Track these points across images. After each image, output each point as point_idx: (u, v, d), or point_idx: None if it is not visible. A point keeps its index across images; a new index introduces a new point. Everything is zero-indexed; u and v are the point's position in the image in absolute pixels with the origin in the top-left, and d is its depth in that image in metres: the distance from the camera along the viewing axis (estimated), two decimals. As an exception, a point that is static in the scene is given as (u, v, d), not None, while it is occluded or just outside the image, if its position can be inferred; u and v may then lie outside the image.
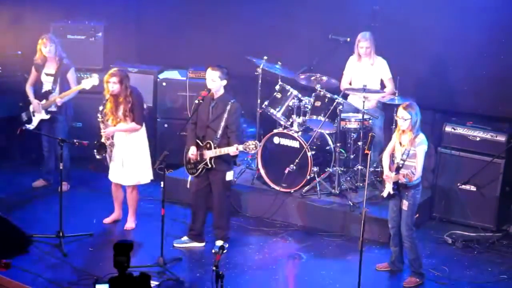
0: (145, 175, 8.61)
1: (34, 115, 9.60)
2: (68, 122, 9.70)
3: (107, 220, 8.83)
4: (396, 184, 7.50)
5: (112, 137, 8.48)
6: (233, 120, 8.10)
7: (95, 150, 8.46)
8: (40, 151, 10.00)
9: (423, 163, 7.50)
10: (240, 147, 7.92)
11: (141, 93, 8.60)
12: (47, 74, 9.56)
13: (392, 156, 7.65)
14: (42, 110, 9.52)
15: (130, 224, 8.73)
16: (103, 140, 8.45)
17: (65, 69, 9.55)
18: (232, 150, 7.97)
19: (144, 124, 8.55)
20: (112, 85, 8.32)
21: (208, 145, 8.10)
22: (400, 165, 7.41)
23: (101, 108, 8.41)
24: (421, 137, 7.52)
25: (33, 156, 10.57)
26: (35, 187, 9.79)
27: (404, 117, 7.47)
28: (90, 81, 9.16)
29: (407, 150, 7.41)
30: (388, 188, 7.56)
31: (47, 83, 9.57)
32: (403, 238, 7.66)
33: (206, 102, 8.16)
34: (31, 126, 9.59)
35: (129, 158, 8.49)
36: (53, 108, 9.54)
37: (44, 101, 9.53)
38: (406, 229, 7.61)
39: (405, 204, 7.56)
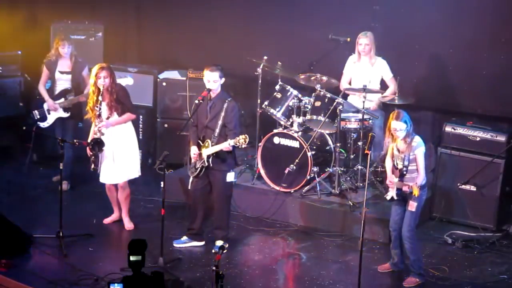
0: (134, 169, 8.61)
1: (49, 113, 9.61)
2: (79, 120, 9.71)
3: (107, 220, 8.84)
4: (399, 190, 7.50)
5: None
6: (230, 118, 8.10)
7: (89, 147, 8.38)
8: (41, 151, 10.00)
9: (424, 164, 7.49)
10: (232, 142, 7.90)
11: (121, 85, 8.60)
12: (61, 72, 9.56)
13: (393, 159, 7.62)
14: (60, 108, 9.53)
15: (128, 224, 8.72)
16: (97, 136, 8.42)
17: (81, 67, 9.57)
18: (224, 146, 7.97)
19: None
20: (103, 80, 8.33)
21: (206, 144, 8.11)
22: (404, 172, 7.42)
23: (100, 99, 8.39)
24: (417, 139, 7.50)
25: (33, 156, 10.57)
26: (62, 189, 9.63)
27: (401, 128, 7.42)
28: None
29: (407, 156, 7.41)
30: (392, 193, 7.56)
31: (62, 81, 9.57)
32: (404, 239, 7.64)
33: (204, 103, 8.17)
34: (45, 124, 9.61)
35: (120, 152, 8.48)
36: (69, 106, 9.56)
37: (62, 99, 9.53)
38: (408, 230, 7.60)
39: (412, 205, 7.51)
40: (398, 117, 7.45)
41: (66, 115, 9.58)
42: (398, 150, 7.52)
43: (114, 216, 8.85)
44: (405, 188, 7.39)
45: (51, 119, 9.61)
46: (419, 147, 7.47)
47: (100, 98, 8.36)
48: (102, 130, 8.41)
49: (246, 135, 7.87)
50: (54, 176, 9.79)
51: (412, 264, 7.71)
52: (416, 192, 7.31)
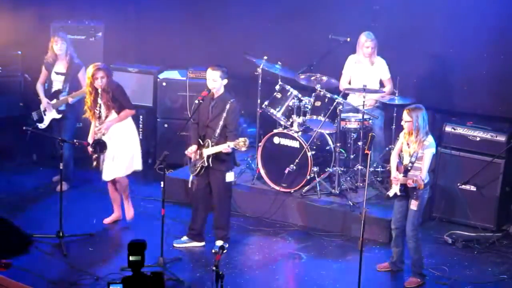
0: (135, 163, 8.60)
1: (45, 114, 9.60)
2: (76, 120, 9.69)
3: (107, 220, 8.83)
4: (403, 186, 7.51)
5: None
6: (231, 119, 8.10)
7: (91, 148, 8.40)
8: (41, 151, 9.99)
9: (429, 165, 7.51)
10: (231, 144, 7.91)
11: (116, 81, 8.62)
12: (57, 73, 9.56)
13: (399, 156, 7.64)
14: (53, 109, 9.54)
15: (129, 212, 8.70)
16: (98, 136, 8.43)
17: (76, 68, 9.55)
18: (223, 147, 7.98)
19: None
20: (101, 80, 8.34)
21: (206, 144, 8.12)
22: (409, 168, 7.44)
23: (99, 101, 8.39)
24: (430, 140, 7.52)
25: (33, 156, 10.58)
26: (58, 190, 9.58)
27: (405, 119, 7.50)
28: None
29: (416, 153, 7.43)
30: (395, 189, 7.56)
31: (57, 82, 9.58)
32: (408, 238, 7.65)
33: (206, 102, 8.18)
34: (42, 125, 9.60)
35: (121, 149, 8.48)
36: (63, 107, 9.56)
37: (55, 101, 9.54)
38: (412, 229, 7.61)
39: (414, 204, 7.53)
40: (409, 110, 7.51)
41: (58, 116, 9.56)
42: (408, 145, 7.54)
43: (114, 216, 8.84)
44: (409, 181, 7.39)
45: (47, 120, 9.60)
46: (430, 147, 7.49)
47: (99, 99, 8.36)
48: (103, 130, 8.41)
49: (246, 138, 7.89)
50: (54, 176, 9.79)
51: (414, 263, 7.71)
52: (421, 185, 7.31)
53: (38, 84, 9.68)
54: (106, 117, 8.45)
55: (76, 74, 9.56)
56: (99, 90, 8.36)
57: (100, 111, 8.41)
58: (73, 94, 9.48)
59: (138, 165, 8.67)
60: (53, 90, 9.59)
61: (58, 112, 9.57)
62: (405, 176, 7.46)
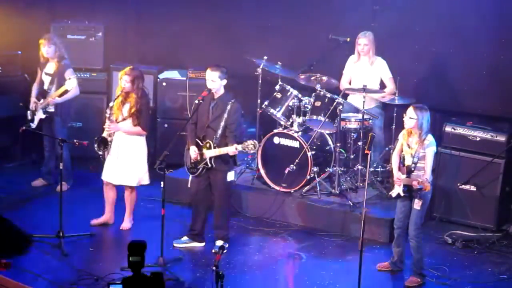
0: (146, 176, 8.60)
1: (35, 114, 9.61)
2: (65, 122, 9.65)
3: (94, 222, 8.72)
4: (406, 187, 7.50)
5: (113, 134, 8.48)
6: (233, 120, 8.10)
7: (95, 145, 8.45)
8: (41, 151, 10.00)
9: (432, 164, 7.51)
10: (239, 147, 7.92)
11: (150, 100, 8.57)
12: (46, 74, 9.56)
13: (400, 156, 7.64)
14: (40, 109, 9.52)
15: (126, 224, 8.69)
16: (105, 135, 8.45)
17: (62, 69, 9.49)
18: (231, 150, 7.97)
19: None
20: (124, 83, 8.35)
21: (208, 145, 8.11)
22: (412, 168, 7.44)
23: (111, 104, 8.44)
24: (430, 138, 7.52)
25: (33, 156, 10.58)
26: (35, 187, 9.79)
27: (411, 116, 7.47)
28: (69, 83, 9.12)
29: (417, 153, 7.44)
30: (398, 190, 7.56)
31: (46, 83, 9.57)
32: (410, 237, 7.66)
33: (206, 102, 8.17)
34: (32, 125, 9.58)
35: (130, 158, 8.47)
36: (51, 109, 9.51)
37: (42, 101, 9.54)
38: (414, 229, 7.61)
39: (417, 203, 7.53)
40: (416, 108, 7.50)
41: (43, 116, 9.51)
42: (409, 146, 7.54)
43: (103, 218, 8.73)
44: (414, 183, 7.39)
45: (36, 120, 9.56)
46: (431, 146, 7.50)
47: (112, 102, 8.35)
48: (109, 131, 8.41)
49: (255, 140, 7.89)
50: (51, 177, 9.81)
51: (414, 263, 7.72)
52: (427, 187, 7.31)
53: (34, 84, 9.68)
54: (123, 119, 8.41)
55: (62, 75, 9.49)
56: (123, 92, 8.35)
57: (110, 113, 8.39)
58: (52, 94, 9.43)
59: (147, 179, 8.64)
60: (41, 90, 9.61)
61: (44, 112, 9.52)
62: (408, 177, 7.47)
